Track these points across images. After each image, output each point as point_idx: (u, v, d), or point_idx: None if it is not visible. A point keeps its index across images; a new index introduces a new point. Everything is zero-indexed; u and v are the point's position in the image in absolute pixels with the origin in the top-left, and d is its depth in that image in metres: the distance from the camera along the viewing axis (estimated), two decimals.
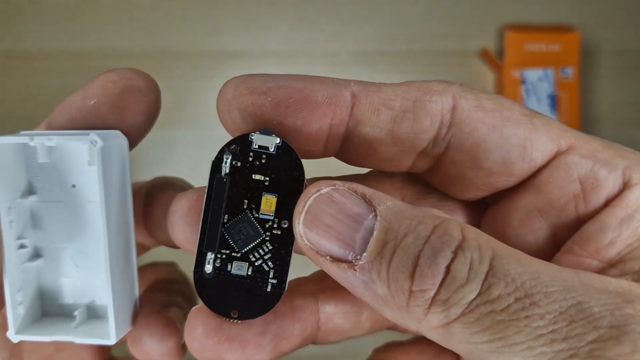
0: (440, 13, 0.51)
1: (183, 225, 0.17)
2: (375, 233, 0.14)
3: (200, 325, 0.17)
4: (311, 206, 0.15)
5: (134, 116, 0.18)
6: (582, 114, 0.50)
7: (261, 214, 0.16)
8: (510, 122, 0.16)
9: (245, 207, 0.16)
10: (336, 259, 0.14)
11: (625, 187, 0.16)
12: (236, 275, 0.16)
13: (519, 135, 0.16)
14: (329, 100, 0.16)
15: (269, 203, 0.16)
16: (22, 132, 0.19)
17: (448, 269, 0.13)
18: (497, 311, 0.12)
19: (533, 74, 0.49)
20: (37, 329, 0.19)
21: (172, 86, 0.51)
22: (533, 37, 0.49)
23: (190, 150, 0.52)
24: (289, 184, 0.16)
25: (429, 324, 0.13)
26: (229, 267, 0.16)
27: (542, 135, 0.17)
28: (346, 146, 0.17)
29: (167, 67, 0.51)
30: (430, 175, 0.18)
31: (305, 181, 0.16)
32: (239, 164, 0.16)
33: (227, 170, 0.16)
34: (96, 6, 0.51)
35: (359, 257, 0.14)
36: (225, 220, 0.16)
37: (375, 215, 0.14)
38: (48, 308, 0.20)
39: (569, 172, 0.17)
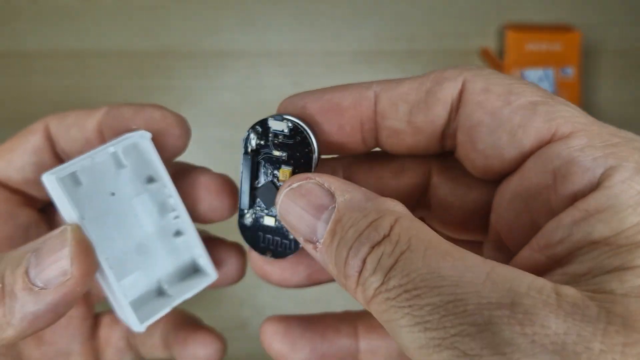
0: (440, 12, 0.51)
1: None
2: (329, 224, 0.17)
3: (253, 257, 0.22)
4: (284, 198, 0.18)
5: (162, 152, 0.21)
6: None
7: (279, 182, 0.20)
8: (509, 107, 0.17)
9: (268, 176, 0.20)
10: (307, 240, 0.17)
11: (596, 188, 0.16)
12: (267, 225, 0.21)
13: (513, 121, 0.17)
14: (355, 103, 0.19)
15: (285, 174, 0.20)
16: (55, 169, 0.19)
17: (364, 261, 0.15)
18: (391, 299, 0.15)
19: (533, 74, 0.49)
20: (149, 312, 0.21)
21: (172, 86, 0.51)
22: (533, 37, 0.49)
23: (190, 150, 0.51)
24: (302, 158, 0.19)
25: (360, 300, 0.16)
26: (262, 219, 0.21)
27: (538, 122, 0.17)
28: (380, 139, 0.20)
29: (166, 66, 0.51)
30: (457, 155, 0.20)
31: (314, 156, 0.19)
32: (261, 142, 0.20)
33: (252, 148, 0.20)
34: (95, 6, 0.51)
35: (319, 241, 0.17)
36: (257, 185, 0.20)
37: (335, 207, 0.17)
38: (137, 299, 0.22)
39: (547, 162, 0.17)
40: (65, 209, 0.19)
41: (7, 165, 0.21)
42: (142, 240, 0.22)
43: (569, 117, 0.17)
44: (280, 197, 0.18)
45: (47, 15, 0.51)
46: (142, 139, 0.20)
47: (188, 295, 0.22)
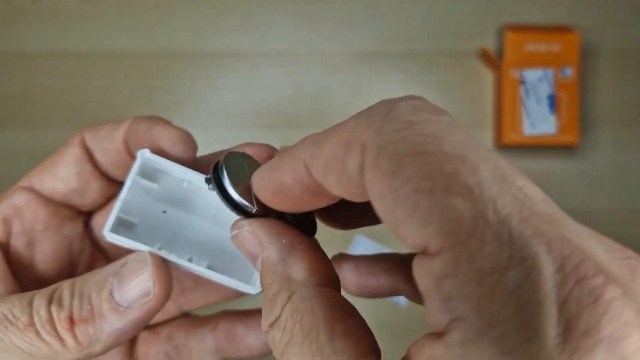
0: (440, 13, 0.51)
1: None
2: (257, 278, 0.18)
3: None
4: (232, 239, 0.19)
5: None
6: (581, 114, 0.50)
7: None
8: (392, 196, 0.13)
9: None
10: None
11: (441, 337, 0.13)
12: None
13: (394, 214, 0.13)
14: (295, 179, 0.17)
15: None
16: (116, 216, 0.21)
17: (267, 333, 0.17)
18: None
19: (533, 74, 0.49)
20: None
21: (173, 86, 0.51)
22: (533, 37, 0.49)
23: None
24: None
25: None
26: None
27: (413, 227, 0.13)
28: None
29: (167, 67, 0.51)
30: None
31: (237, 212, 0.19)
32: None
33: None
34: (97, 6, 0.51)
35: None
36: None
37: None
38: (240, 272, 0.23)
39: (416, 278, 0.14)
40: (136, 248, 0.21)
41: (52, 178, 0.23)
42: (212, 227, 0.23)
43: (446, 223, 0.13)
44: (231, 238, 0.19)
45: (48, 16, 0.51)
46: (144, 159, 0.21)
47: None
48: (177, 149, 0.22)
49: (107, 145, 0.23)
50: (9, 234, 0.22)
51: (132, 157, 0.22)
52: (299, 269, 0.17)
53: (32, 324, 0.19)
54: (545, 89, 0.49)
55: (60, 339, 0.19)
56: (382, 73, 0.51)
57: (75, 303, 0.19)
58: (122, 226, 0.21)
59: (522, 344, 0.12)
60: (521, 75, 0.49)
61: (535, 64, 0.49)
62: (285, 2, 0.51)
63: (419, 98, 0.15)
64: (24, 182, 0.23)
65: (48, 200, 0.23)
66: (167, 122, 0.22)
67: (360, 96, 0.51)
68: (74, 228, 0.24)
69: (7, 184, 0.22)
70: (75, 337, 0.19)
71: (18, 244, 0.22)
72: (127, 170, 0.22)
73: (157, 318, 0.26)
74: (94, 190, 0.23)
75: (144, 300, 0.19)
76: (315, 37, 0.51)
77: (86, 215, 0.25)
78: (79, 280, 0.20)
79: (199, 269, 0.21)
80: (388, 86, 0.51)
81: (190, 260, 0.22)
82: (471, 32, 0.51)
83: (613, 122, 0.51)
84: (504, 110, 0.49)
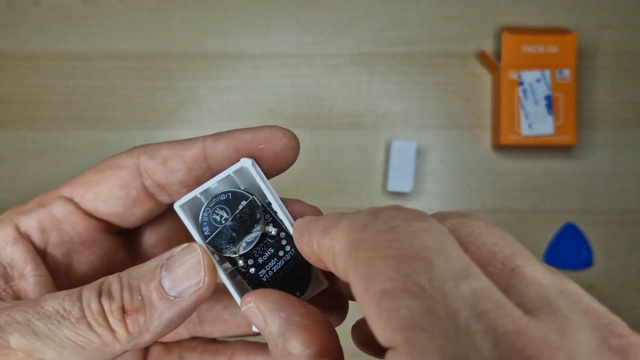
0: (438, 15, 0.52)
1: None
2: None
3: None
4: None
5: (279, 166, 0.23)
6: (578, 115, 0.51)
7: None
8: (364, 298, 0.15)
9: None
10: None
11: None
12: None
13: (368, 311, 0.15)
14: (312, 252, 0.19)
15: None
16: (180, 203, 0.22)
17: None
18: None
19: (530, 76, 0.49)
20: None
21: (174, 87, 0.51)
22: (530, 39, 0.49)
23: None
24: None
25: None
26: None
27: (380, 325, 0.14)
28: None
29: (169, 68, 0.51)
30: None
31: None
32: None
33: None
34: (99, 8, 0.51)
35: None
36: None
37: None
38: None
39: None
40: (191, 231, 0.22)
41: (95, 197, 0.23)
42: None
43: (402, 320, 0.14)
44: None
45: (50, 17, 0.51)
46: (244, 166, 0.21)
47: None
48: (293, 145, 0.22)
49: (175, 164, 0.22)
50: (46, 242, 0.22)
51: (212, 172, 0.22)
52: (295, 343, 0.18)
53: (83, 317, 0.19)
54: (542, 90, 0.49)
55: (112, 330, 0.19)
56: (381, 74, 0.51)
57: (126, 294, 0.20)
58: (193, 206, 0.22)
59: None
60: (519, 77, 0.49)
61: (532, 66, 0.49)
62: (285, 4, 0.51)
63: (398, 208, 0.16)
64: (65, 192, 0.23)
65: (88, 215, 0.23)
66: (273, 126, 0.23)
67: (360, 97, 0.51)
68: (110, 240, 0.24)
69: (11, 183, 0.22)
70: (126, 327, 0.20)
71: (56, 253, 0.23)
72: (196, 186, 0.22)
73: (168, 338, 0.26)
74: (134, 214, 0.23)
75: (194, 289, 0.20)
76: (315, 39, 0.51)
77: (122, 228, 0.25)
78: (124, 274, 0.20)
79: (223, 276, 0.21)
80: (387, 87, 0.51)
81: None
82: (469, 34, 0.51)
83: (610, 122, 0.52)
84: (502, 111, 0.49)
